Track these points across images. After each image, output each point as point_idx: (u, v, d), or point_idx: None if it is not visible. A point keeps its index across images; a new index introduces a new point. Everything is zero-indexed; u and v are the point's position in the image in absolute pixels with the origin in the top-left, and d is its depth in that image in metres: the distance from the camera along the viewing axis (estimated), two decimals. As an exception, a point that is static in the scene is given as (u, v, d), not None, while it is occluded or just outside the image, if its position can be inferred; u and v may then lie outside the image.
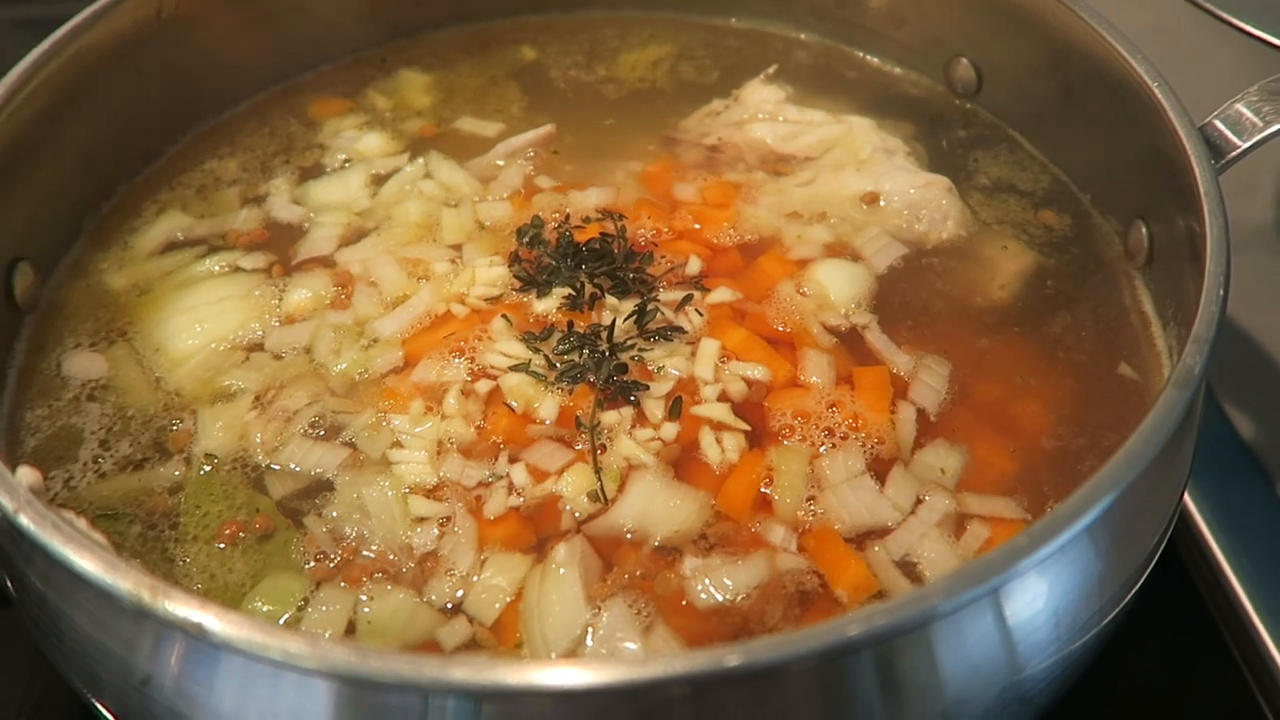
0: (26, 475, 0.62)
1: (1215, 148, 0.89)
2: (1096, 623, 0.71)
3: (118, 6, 1.00)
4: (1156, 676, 1.00)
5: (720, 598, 0.77)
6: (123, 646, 0.61)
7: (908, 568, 0.80)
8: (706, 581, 0.77)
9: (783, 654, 0.54)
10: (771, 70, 1.22)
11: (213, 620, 0.52)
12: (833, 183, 1.12)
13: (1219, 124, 0.90)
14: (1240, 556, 1.04)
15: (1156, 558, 0.77)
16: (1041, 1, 1.03)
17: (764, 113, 1.19)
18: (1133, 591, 0.75)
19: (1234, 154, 0.88)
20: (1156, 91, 0.89)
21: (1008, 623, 0.62)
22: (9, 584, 0.70)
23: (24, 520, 0.57)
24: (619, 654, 0.72)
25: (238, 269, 1.02)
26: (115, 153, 1.07)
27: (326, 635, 0.71)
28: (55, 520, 0.56)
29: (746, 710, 0.58)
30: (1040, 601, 0.63)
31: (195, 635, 0.53)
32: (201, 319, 0.96)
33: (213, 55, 1.11)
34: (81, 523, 0.62)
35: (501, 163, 1.15)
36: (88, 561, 0.55)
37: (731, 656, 0.53)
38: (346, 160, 1.14)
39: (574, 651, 0.73)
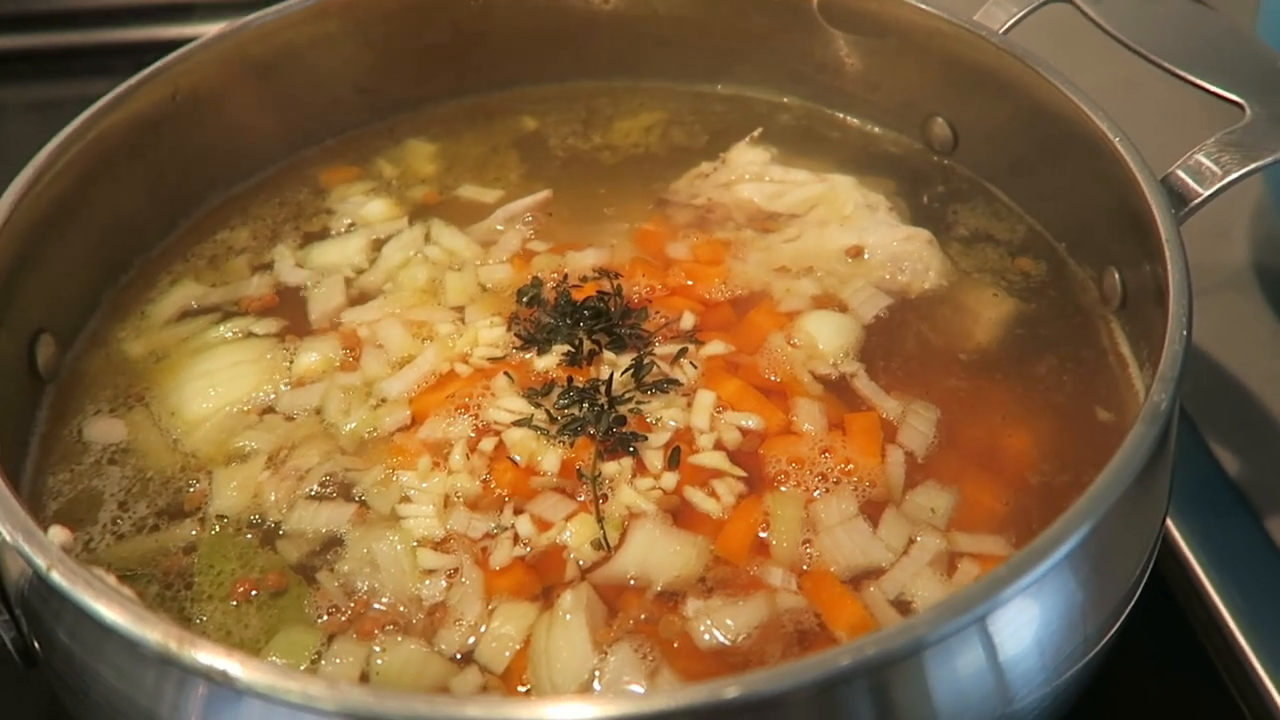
0: (58, 534, 0.65)
1: (1179, 196, 0.94)
2: (1083, 653, 0.73)
3: (137, 90, 1.06)
4: (1152, 713, 1.02)
5: (722, 638, 0.79)
6: (147, 698, 0.64)
7: (903, 606, 0.83)
8: (709, 622, 0.80)
9: (779, 685, 0.57)
10: (756, 133, 1.28)
11: (236, 667, 0.55)
12: (818, 238, 1.17)
13: (1181, 174, 0.95)
14: (1231, 591, 1.06)
15: (1140, 590, 0.80)
16: (1008, 65, 1.09)
17: (750, 173, 1.25)
18: (1118, 623, 0.78)
19: (1196, 201, 0.93)
20: (1119, 146, 0.94)
21: (996, 652, 0.65)
22: (35, 644, 0.73)
23: (57, 577, 0.60)
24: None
25: (250, 334, 1.06)
26: (133, 229, 1.12)
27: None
28: (86, 576, 0.59)
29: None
30: (1026, 630, 0.66)
31: (220, 682, 0.56)
32: (216, 383, 1.00)
33: (226, 133, 1.16)
34: (110, 578, 0.65)
35: (501, 227, 1.20)
36: (118, 614, 0.58)
37: (730, 689, 0.56)
38: (351, 224, 1.19)
39: (581, 695, 0.76)
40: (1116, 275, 1.02)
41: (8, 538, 0.66)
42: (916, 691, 0.64)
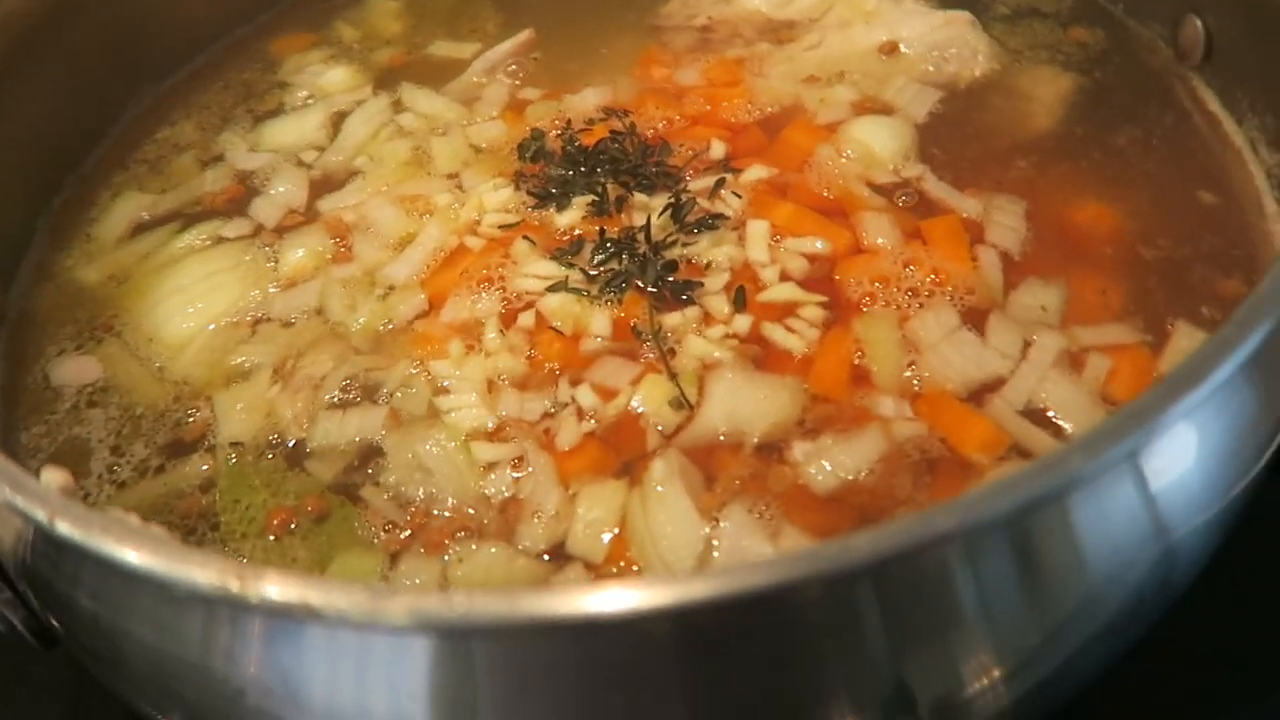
0: (54, 476, 0.52)
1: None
2: (1249, 469, 0.63)
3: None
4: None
5: (842, 476, 0.69)
6: (195, 650, 0.52)
7: (1035, 415, 0.73)
8: (823, 463, 0.70)
9: (933, 529, 0.46)
10: (749, -66, 1.12)
11: (321, 595, 0.43)
12: (843, 40, 1.03)
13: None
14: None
15: None
16: None
17: (752, -19, 1.10)
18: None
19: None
20: None
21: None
22: (52, 620, 0.60)
23: (65, 528, 0.47)
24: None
25: (220, 239, 0.91)
26: (57, 140, 0.96)
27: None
28: (103, 521, 0.46)
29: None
30: (1201, 442, 0.55)
31: (304, 617, 0.44)
32: (193, 298, 0.86)
33: (152, 10, 0.98)
34: (133, 518, 0.52)
35: (482, 80, 1.04)
36: (156, 558, 0.45)
37: (883, 537, 0.45)
38: (309, 98, 1.03)
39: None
40: (1198, 22, 0.90)
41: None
42: (1093, 512, 0.54)
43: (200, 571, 0.44)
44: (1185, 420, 0.53)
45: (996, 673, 0.58)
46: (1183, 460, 0.57)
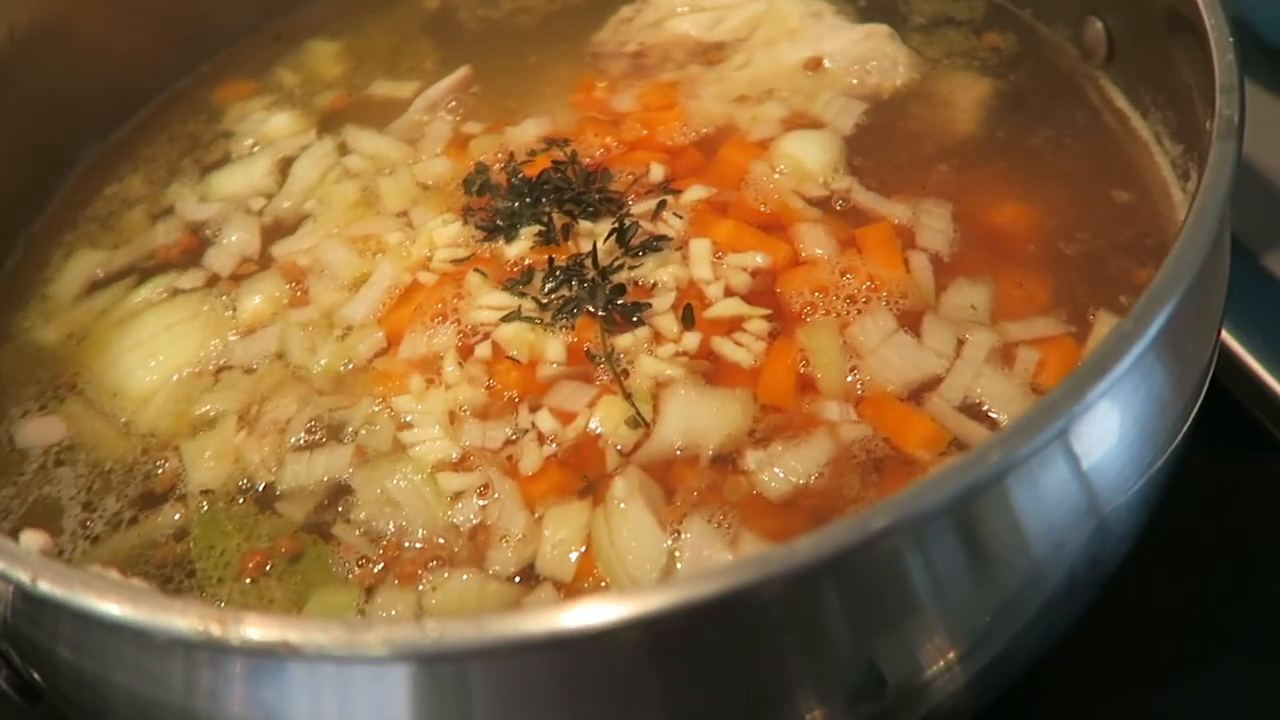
0: (33, 539, 0.54)
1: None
2: (1167, 445, 0.67)
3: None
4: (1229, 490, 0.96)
5: (794, 481, 0.73)
6: (179, 693, 0.54)
7: (972, 410, 0.77)
8: (775, 470, 0.73)
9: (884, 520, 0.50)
10: (673, -38, 1.16)
11: (300, 633, 0.46)
12: (770, 58, 1.07)
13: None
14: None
15: (1210, 372, 0.73)
16: None
17: (682, 6, 1.14)
18: (1196, 406, 0.71)
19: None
20: None
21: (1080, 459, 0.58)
22: (34, 675, 0.62)
23: (45, 587, 0.49)
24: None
25: (177, 291, 0.93)
26: (3, 202, 0.97)
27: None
28: (84, 577, 0.48)
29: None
30: (1114, 424, 0.59)
31: (285, 655, 0.46)
32: (154, 351, 0.88)
33: (87, 70, 0.99)
34: (113, 573, 0.54)
35: (424, 119, 1.07)
36: (137, 609, 0.47)
37: (870, 522, 0.49)
38: (255, 145, 1.05)
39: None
40: (1099, 25, 0.95)
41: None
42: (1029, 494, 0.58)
43: (181, 619, 0.47)
44: (1107, 399, 0.57)
45: (952, 654, 0.62)
46: (1108, 438, 0.61)
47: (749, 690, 0.57)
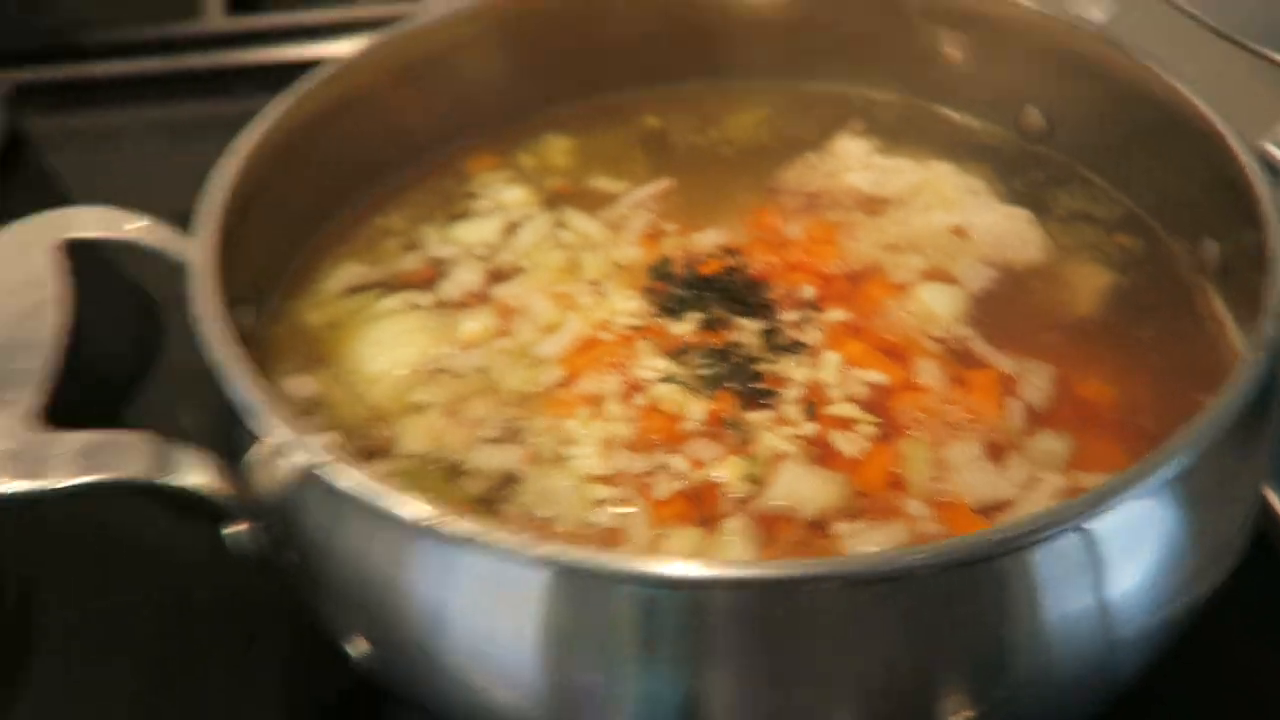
0: (328, 439, 0.77)
1: (1271, 167, 1.02)
2: (1186, 590, 0.79)
3: (310, 95, 1.17)
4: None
5: (870, 550, 0.88)
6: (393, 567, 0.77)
7: (1031, 531, 0.91)
8: (856, 542, 0.89)
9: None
10: (858, 125, 1.38)
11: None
12: (924, 219, 1.26)
13: (1269, 146, 1.03)
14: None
15: (1246, 540, 0.86)
16: (1100, 53, 1.18)
17: (854, 163, 1.35)
18: (1223, 572, 0.84)
19: (1287, 172, 1.01)
20: (1216, 122, 1.03)
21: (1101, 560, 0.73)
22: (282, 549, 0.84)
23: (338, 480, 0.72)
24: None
25: (414, 306, 1.17)
26: (302, 219, 1.24)
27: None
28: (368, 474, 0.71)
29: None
30: (1131, 546, 0.74)
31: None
32: (388, 348, 1.11)
33: (383, 135, 1.28)
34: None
35: (628, 212, 1.30)
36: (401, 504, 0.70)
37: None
38: (491, 208, 1.30)
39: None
40: (1216, 246, 1.10)
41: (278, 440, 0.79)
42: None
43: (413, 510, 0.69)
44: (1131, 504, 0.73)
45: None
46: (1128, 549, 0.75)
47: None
